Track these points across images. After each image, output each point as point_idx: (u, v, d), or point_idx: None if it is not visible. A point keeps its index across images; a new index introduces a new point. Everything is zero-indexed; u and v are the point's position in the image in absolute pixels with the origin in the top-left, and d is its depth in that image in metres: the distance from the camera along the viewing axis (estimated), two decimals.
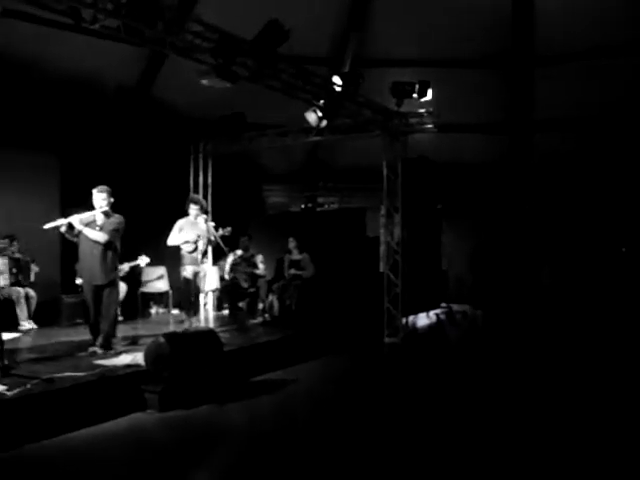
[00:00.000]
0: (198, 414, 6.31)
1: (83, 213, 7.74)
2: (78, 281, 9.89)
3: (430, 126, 10.77)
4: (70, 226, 7.63)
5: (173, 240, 9.24)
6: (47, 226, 7.56)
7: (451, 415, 6.41)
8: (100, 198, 7.74)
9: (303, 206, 15.61)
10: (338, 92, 9.29)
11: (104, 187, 7.80)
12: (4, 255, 9.77)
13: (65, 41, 9.64)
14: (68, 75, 10.70)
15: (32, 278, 10.33)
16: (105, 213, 7.78)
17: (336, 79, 9.20)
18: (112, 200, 7.83)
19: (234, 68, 7.77)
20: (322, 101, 9.40)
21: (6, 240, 7.28)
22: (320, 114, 9.53)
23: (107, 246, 7.71)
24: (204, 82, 7.87)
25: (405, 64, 12.93)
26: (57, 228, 7.57)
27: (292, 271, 11.65)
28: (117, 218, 7.86)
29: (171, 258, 9.83)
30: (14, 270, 10.01)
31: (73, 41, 9.56)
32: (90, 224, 7.71)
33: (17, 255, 10.07)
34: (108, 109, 11.64)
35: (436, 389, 7.55)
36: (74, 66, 10.65)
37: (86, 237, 7.67)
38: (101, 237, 7.65)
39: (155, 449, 5.48)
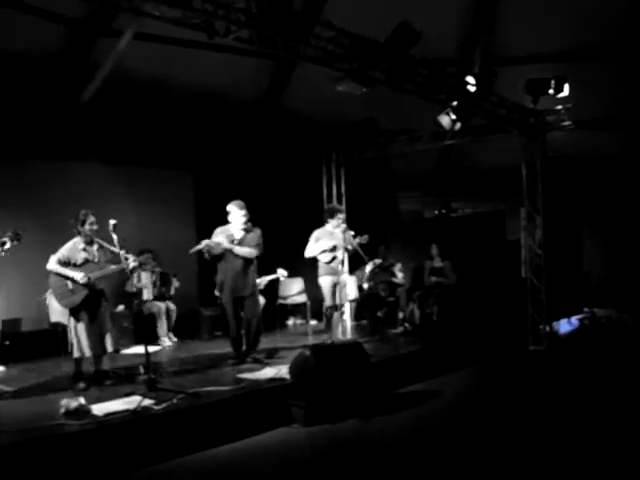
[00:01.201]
0: (344, 428, 6.19)
1: (223, 231, 7.88)
2: (217, 293, 10.10)
3: (568, 123, 10.28)
4: (210, 246, 7.80)
5: (310, 251, 9.15)
6: (193, 251, 7.77)
7: (609, 428, 5.97)
8: (241, 214, 7.87)
9: (437, 212, 15.32)
10: (472, 93, 8.99)
11: (241, 203, 7.90)
12: (146, 269, 10.09)
13: (192, 59, 9.93)
14: (197, 92, 10.98)
15: (172, 292, 10.63)
16: (245, 229, 7.87)
17: (469, 79, 8.91)
18: (249, 215, 7.92)
19: (370, 72, 7.69)
20: (455, 102, 9.12)
21: (147, 255, 7.53)
22: (454, 116, 9.25)
23: (248, 261, 7.80)
24: (340, 88, 7.82)
25: (537, 60, 12.40)
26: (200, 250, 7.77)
27: (433, 279, 11.40)
28: (257, 232, 7.99)
29: (309, 269, 9.80)
30: (157, 283, 10.35)
31: (199, 59, 9.85)
32: (231, 241, 7.84)
33: (158, 269, 10.40)
34: (238, 122, 11.85)
35: (589, 400, 7.06)
36: (202, 83, 10.91)
37: (229, 253, 7.78)
38: (252, 253, 7.85)
39: (302, 465, 5.40)
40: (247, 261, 7.85)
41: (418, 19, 7.54)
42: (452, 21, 11.70)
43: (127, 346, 9.44)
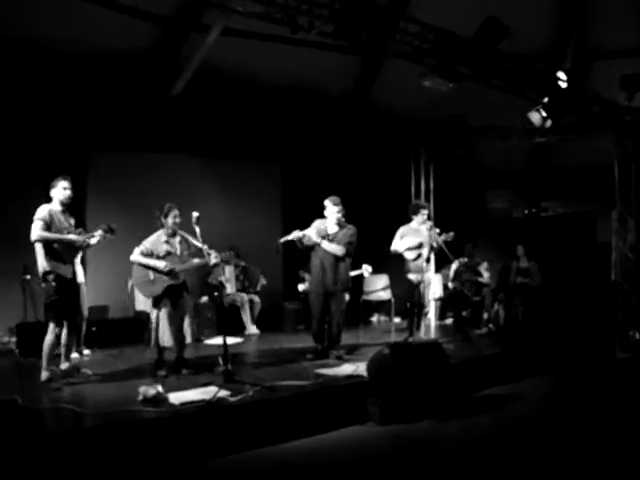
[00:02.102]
0: (419, 429, 6.09)
1: (312, 225, 7.90)
2: (300, 288, 10.14)
3: None
4: (302, 238, 7.82)
5: (395, 247, 9.11)
6: (283, 240, 7.81)
7: None
8: (335, 210, 7.87)
9: (526, 211, 14.92)
10: (563, 89, 8.70)
11: (338, 198, 7.90)
12: (230, 264, 10.25)
13: (279, 54, 9.99)
14: (284, 86, 11.04)
15: (258, 288, 10.76)
16: (339, 224, 7.87)
17: (561, 75, 8.63)
18: (344, 211, 7.92)
19: (457, 67, 7.55)
20: (546, 99, 8.85)
21: (229, 252, 7.60)
22: (544, 114, 8.98)
23: (340, 257, 7.81)
24: (426, 84, 7.70)
25: (632, 54, 11.86)
26: (292, 241, 7.83)
27: (519, 279, 11.14)
28: (351, 229, 7.96)
29: (394, 266, 9.73)
30: (240, 277, 10.49)
31: (287, 54, 9.89)
32: (323, 236, 7.88)
33: (242, 263, 10.53)
34: (326, 117, 11.86)
35: None
36: (290, 77, 10.94)
37: (319, 247, 7.82)
38: (339, 250, 7.82)
39: (374, 463, 5.32)
40: (338, 257, 7.84)
41: (507, 13, 7.37)
42: (542, 14, 11.33)
43: (210, 337, 9.61)
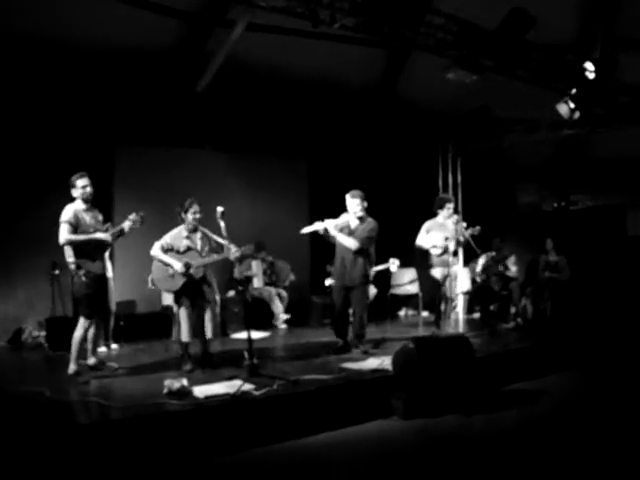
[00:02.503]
0: (444, 423, 6.04)
1: (339, 218, 7.89)
2: (327, 282, 10.14)
3: None
4: (326, 230, 7.79)
5: (421, 242, 9.07)
6: (304, 230, 7.81)
7: None
8: (354, 204, 7.82)
9: (555, 204, 14.76)
10: (591, 80, 8.58)
11: (358, 192, 7.87)
12: (257, 258, 10.28)
13: (304, 48, 9.98)
14: (309, 80, 11.03)
15: (287, 283, 10.79)
16: (360, 218, 7.84)
17: (588, 65, 8.51)
18: (366, 205, 7.87)
19: (480, 59, 7.49)
20: (574, 90, 8.74)
21: (250, 246, 7.62)
22: (572, 105, 8.87)
23: (359, 251, 7.76)
24: (449, 76, 7.66)
25: None
26: (316, 232, 7.82)
27: (547, 274, 11.02)
28: (370, 224, 7.89)
29: (421, 260, 9.68)
30: (267, 272, 10.53)
31: (311, 47, 9.89)
32: (343, 229, 7.84)
33: (269, 258, 10.56)
34: (352, 111, 11.83)
35: None
36: (315, 71, 10.93)
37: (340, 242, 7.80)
38: (352, 244, 7.75)
39: (397, 457, 5.30)
40: (358, 251, 7.81)
41: (533, 3, 7.27)
42: (570, 4, 11.16)
43: (237, 331, 9.65)
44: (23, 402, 5.68)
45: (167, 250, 7.04)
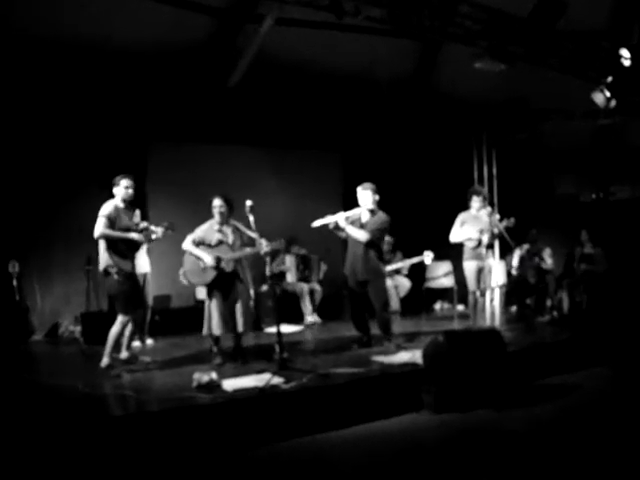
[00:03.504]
0: (474, 418, 5.97)
1: (350, 211, 7.86)
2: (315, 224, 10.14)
3: None
4: (336, 223, 7.76)
5: (455, 236, 8.93)
6: (315, 224, 7.78)
7: None
8: (365, 196, 7.77)
9: (594, 196, 14.49)
10: (627, 67, 8.40)
11: (369, 185, 7.82)
12: (291, 253, 10.29)
13: (334, 41, 9.95)
14: (341, 73, 10.98)
15: (321, 276, 10.78)
16: (371, 211, 7.80)
17: (624, 52, 8.33)
18: (377, 197, 7.82)
19: (510, 48, 7.38)
20: (610, 78, 8.57)
21: (281, 240, 7.64)
22: (608, 94, 8.70)
23: (369, 244, 7.71)
24: (479, 66, 7.57)
25: None
26: (326, 225, 7.76)
27: (583, 266, 10.86)
28: (381, 217, 7.82)
29: (457, 252, 9.60)
30: (300, 267, 10.53)
31: (342, 40, 9.86)
32: (355, 222, 7.80)
33: (302, 252, 10.56)
34: (386, 103, 11.75)
35: None
36: (346, 65, 10.89)
37: (352, 236, 7.77)
38: (362, 236, 7.68)
39: (426, 452, 5.26)
40: (367, 245, 7.70)
41: None
42: None
43: (270, 325, 9.67)
44: (56, 395, 5.81)
45: (198, 243, 7.11)
